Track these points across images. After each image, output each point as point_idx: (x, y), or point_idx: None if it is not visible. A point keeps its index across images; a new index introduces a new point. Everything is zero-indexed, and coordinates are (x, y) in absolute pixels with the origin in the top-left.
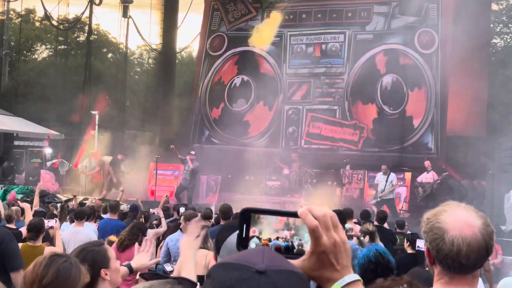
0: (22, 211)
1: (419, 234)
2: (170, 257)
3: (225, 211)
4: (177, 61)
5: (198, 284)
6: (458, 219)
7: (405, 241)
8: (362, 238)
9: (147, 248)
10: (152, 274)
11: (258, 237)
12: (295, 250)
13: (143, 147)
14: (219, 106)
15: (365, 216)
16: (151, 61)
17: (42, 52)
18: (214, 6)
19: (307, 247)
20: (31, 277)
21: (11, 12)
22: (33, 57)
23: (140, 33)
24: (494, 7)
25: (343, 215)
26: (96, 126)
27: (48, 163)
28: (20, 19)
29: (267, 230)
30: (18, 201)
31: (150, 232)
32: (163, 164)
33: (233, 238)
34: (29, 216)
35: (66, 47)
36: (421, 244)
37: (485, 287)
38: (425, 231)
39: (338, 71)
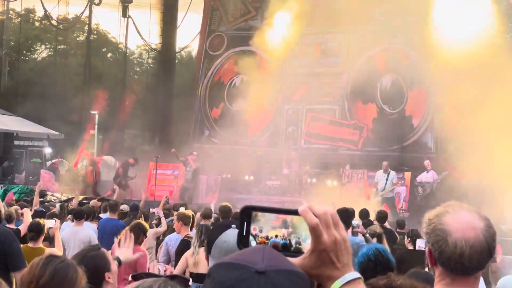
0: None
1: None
2: (169, 257)
3: (225, 211)
4: (176, 60)
5: (191, 280)
6: (461, 221)
7: (406, 237)
8: (367, 235)
9: (127, 243)
10: (144, 274)
11: (254, 236)
12: (292, 248)
13: (142, 147)
14: (219, 106)
15: (365, 216)
16: (150, 60)
17: (42, 52)
18: (213, 5)
19: (305, 245)
20: (28, 278)
21: (11, 12)
22: (33, 57)
23: (140, 32)
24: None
25: (349, 213)
26: (96, 126)
27: (48, 163)
28: (19, 19)
29: (266, 228)
30: (14, 201)
31: (150, 232)
32: (163, 163)
33: (224, 237)
34: (28, 220)
35: (65, 47)
36: (421, 243)
37: None
38: (427, 233)
39: (338, 70)
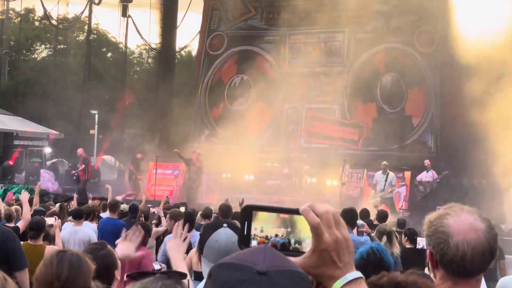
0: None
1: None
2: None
3: (225, 210)
4: (176, 60)
5: (188, 274)
6: (462, 223)
7: (403, 236)
8: (373, 234)
9: (134, 237)
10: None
11: (255, 236)
12: (291, 248)
13: (142, 147)
14: (219, 106)
15: (365, 215)
16: (150, 60)
17: (42, 51)
18: (213, 5)
19: (305, 245)
20: (48, 278)
21: (11, 12)
22: (33, 56)
23: (140, 32)
24: None
25: (354, 213)
26: (96, 126)
27: (48, 163)
28: (19, 18)
29: (267, 227)
30: (14, 200)
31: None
32: (163, 163)
33: (215, 237)
34: (26, 216)
35: (65, 46)
36: (422, 242)
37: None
38: (428, 235)
39: (338, 70)
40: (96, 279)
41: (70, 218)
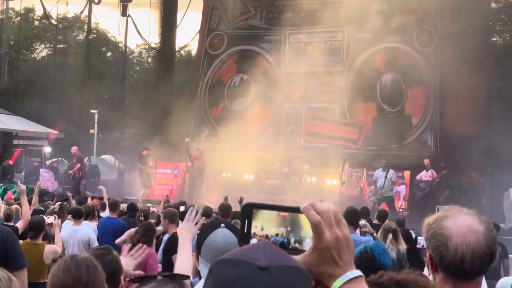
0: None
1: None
2: None
3: (224, 209)
4: (176, 60)
5: (191, 276)
6: (461, 225)
7: None
8: (375, 234)
9: (136, 255)
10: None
11: (255, 234)
12: (290, 247)
13: (142, 146)
14: (219, 105)
15: (365, 214)
16: (150, 60)
17: (41, 51)
18: (213, 4)
19: (305, 244)
20: (68, 283)
21: (10, 11)
22: (32, 56)
23: (139, 32)
24: (493, 5)
25: (357, 213)
26: (96, 125)
27: (48, 162)
28: (19, 18)
29: (267, 226)
30: (13, 200)
31: None
32: (163, 162)
33: (213, 237)
34: (26, 216)
35: (65, 46)
36: (422, 241)
37: None
38: (427, 238)
39: (337, 69)
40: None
41: (69, 217)
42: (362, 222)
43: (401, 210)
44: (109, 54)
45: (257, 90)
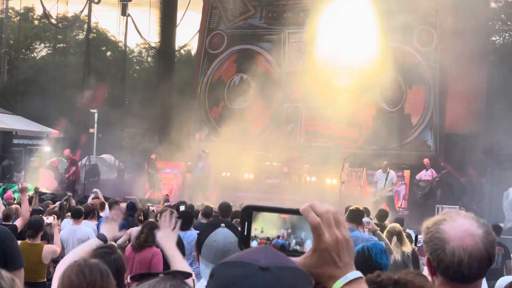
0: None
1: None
2: None
3: (224, 209)
4: (176, 59)
5: (193, 274)
6: (458, 229)
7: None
8: (378, 231)
9: (116, 216)
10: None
11: (255, 236)
12: (290, 249)
13: (142, 145)
14: (219, 105)
15: (365, 214)
16: (150, 59)
17: (41, 50)
18: (212, 4)
19: (306, 246)
20: (82, 284)
21: (10, 11)
22: (32, 55)
23: (139, 31)
24: (493, 5)
25: (361, 211)
26: (95, 125)
27: (47, 162)
28: (19, 17)
29: (267, 228)
30: (13, 199)
31: None
32: (162, 162)
33: (213, 237)
34: (25, 215)
35: (65, 45)
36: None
37: None
38: (426, 241)
39: (337, 68)
40: None
41: (68, 214)
42: (366, 219)
43: (401, 209)
44: (109, 53)
45: (257, 89)
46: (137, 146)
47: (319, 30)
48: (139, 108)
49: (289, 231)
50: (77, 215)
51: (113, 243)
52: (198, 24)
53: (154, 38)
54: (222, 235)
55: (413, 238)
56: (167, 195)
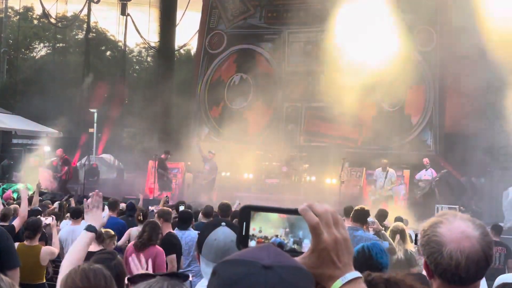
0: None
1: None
2: None
3: (224, 209)
4: (175, 59)
5: (190, 276)
6: (455, 231)
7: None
8: (383, 231)
9: (95, 202)
10: (140, 275)
11: (253, 236)
12: (289, 248)
13: (141, 145)
14: (219, 104)
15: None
16: (149, 59)
17: (41, 50)
18: (212, 3)
19: (304, 245)
20: None
21: (9, 10)
22: (32, 55)
23: (139, 31)
24: None
25: (365, 211)
26: (95, 124)
27: (47, 161)
28: (18, 17)
29: (265, 227)
30: (12, 199)
31: None
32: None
33: (213, 236)
34: (24, 205)
35: (64, 45)
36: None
37: None
38: (422, 244)
39: (336, 68)
40: None
41: (67, 215)
42: (370, 219)
43: (400, 209)
44: (108, 53)
45: (257, 89)
46: (137, 146)
47: (324, 29)
48: (138, 107)
49: (287, 230)
50: (75, 215)
51: (114, 250)
52: (198, 23)
53: (153, 37)
54: (223, 234)
55: (413, 238)
56: (167, 196)
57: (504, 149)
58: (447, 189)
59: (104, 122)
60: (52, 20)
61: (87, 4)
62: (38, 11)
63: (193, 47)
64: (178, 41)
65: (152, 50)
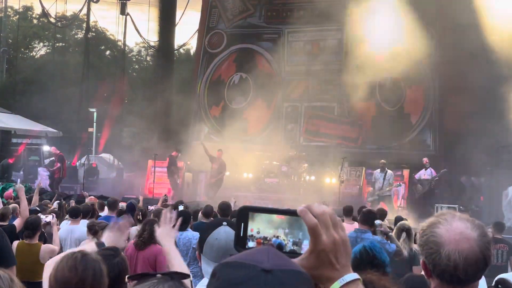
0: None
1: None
2: None
3: (224, 208)
4: (175, 58)
5: (190, 275)
6: (453, 232)
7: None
8: (390, 233)
9: (124, 227)
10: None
11: (252, 237)
12: (288, 249)
13: (141, 144)
14: (219, 104)
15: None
16: (149, 58)
17: (40, 49)
18: (212, 3)
19: (303, 246)
20: (72, 283)
21: (9, 10)
22: (31, 54)
23: (138, 30)
24: None
25: (373, 213)
26: (94, 124)
27: (46, 161)
28: (17, 16)
29: (264, 228)
30: (12, 198)
31: None
32: (162, 161)
33: (215, 235)
34: (24, 205)
35: (64, 44)
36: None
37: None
38: (421, 244)
39: (336, 68)
40: (111, 286)
41: (67, 216)
42: (378, 221)
43: (399, 208)
44: (108, 52)
45: (256, 88)
46: (136, 145)
47: (324, 28)
48: (138, 107)
49: (287, 231)
50: (74, 215)
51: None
52: (198, 23)
53: (153, 37)
54: (224, 233)
55: (413, 237)
56: (165, 195)
57: (504, 149)
58: (446, 188)
59: (103, 122)
60: (52, 20)
61: (86, 3)
62: (37, 10)
63: (192, 46)
64: (178, 41)
65: (151, 50)
